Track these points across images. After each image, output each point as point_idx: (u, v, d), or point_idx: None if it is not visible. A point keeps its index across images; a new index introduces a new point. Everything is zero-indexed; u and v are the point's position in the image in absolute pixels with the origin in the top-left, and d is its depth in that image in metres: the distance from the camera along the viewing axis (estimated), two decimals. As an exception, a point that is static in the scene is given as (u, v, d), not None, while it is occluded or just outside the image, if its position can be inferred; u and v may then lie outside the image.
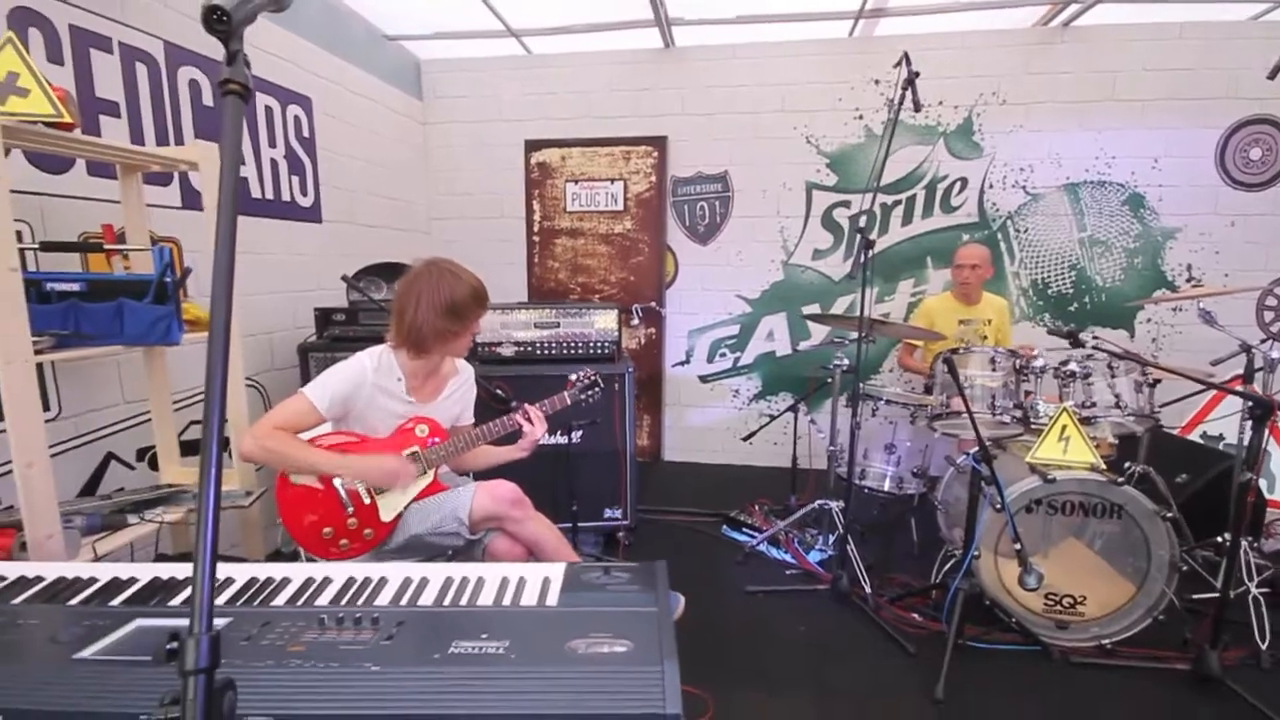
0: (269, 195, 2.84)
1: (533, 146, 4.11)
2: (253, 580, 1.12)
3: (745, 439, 3.67)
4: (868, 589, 2.47)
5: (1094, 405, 2.36)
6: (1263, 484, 3.32)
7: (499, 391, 2.50)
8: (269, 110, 2.84)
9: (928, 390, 3.02)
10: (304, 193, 3.07)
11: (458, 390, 2.00)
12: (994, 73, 3.63)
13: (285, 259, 2.95)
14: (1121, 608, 2.17)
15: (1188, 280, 3.65)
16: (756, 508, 3.28)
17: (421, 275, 1.78)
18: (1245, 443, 2.15)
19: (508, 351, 2.85)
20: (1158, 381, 2.56)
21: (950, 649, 2.04)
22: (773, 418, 3.76)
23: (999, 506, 2.11)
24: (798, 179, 3.89)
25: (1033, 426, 2.40)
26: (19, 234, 1.81)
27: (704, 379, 4.20)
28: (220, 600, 1.05)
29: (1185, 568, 2.19)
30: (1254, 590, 2.22)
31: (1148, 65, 3.50)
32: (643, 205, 4.08)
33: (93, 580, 1.12)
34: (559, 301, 3.89)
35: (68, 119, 1.44)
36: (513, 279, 4.25)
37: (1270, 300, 3.57)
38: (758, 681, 2.05)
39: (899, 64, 2.26)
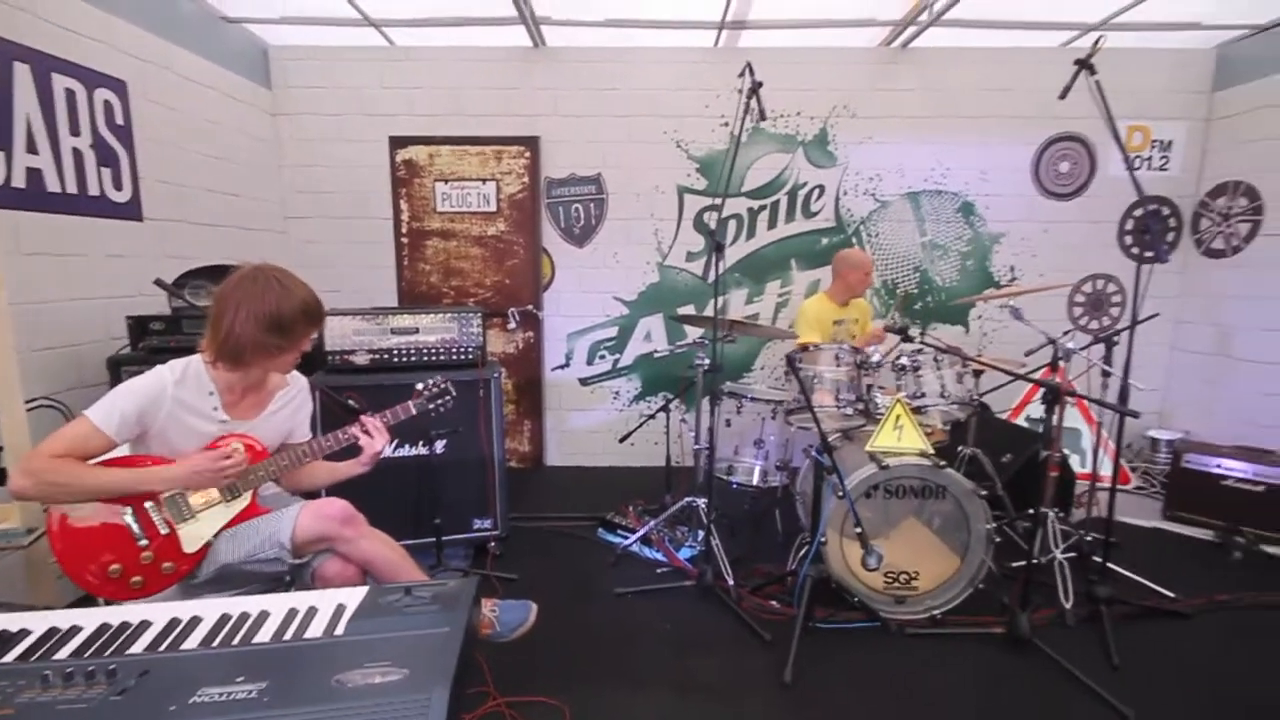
0: (70, 189, 2.50)
1: (398, 143, 3.92)
2: (-23, 637, 0.96)
3: (622, 440, 3.69)
4: (731, 581, 2.55)
5: (924, 395, 2.56)
6: (1074, 460, 3.78)
7: (351, 403, 2.34)
8: (70, 93, 2.50)
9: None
10: (118, 187, 2.73)
11: (287, 405, 1.84)
12: (845, 87, 3.87)
13: (95, 262, 2.61)
14: (949, 579, 2.37)
15: (1010, 280, 4.08)
16: (631, 509, 3.30)
17: (244, 281, 1.61)
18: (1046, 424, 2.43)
19: (362, 360, 2.69)
20: (981, 371, 2.83)
21: (799, 633, 2.14)
22: (649, 417, 3.80)
23: (840, 494, 2.24)
24: (669, 182, 3.96)
25: (875, 417, 2.58)
26: None
27: (584, 381, 4.18)
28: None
29: (999, 539, 2.42)
30: (1059, 556, 2.50)
31: (975, 85, 3.87)
32: (516, 206, 3.99)
33: None
34: (417, 306, 3.71)
35: None
36: (382, 282, 4.04)
37: (1078, 297, 4.05)
38: (619, 682, 2.05)
39: (743, 74, 2.35)
